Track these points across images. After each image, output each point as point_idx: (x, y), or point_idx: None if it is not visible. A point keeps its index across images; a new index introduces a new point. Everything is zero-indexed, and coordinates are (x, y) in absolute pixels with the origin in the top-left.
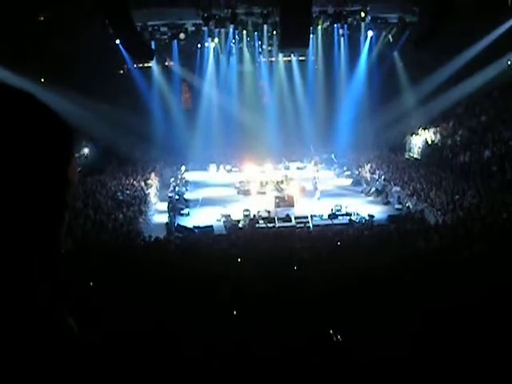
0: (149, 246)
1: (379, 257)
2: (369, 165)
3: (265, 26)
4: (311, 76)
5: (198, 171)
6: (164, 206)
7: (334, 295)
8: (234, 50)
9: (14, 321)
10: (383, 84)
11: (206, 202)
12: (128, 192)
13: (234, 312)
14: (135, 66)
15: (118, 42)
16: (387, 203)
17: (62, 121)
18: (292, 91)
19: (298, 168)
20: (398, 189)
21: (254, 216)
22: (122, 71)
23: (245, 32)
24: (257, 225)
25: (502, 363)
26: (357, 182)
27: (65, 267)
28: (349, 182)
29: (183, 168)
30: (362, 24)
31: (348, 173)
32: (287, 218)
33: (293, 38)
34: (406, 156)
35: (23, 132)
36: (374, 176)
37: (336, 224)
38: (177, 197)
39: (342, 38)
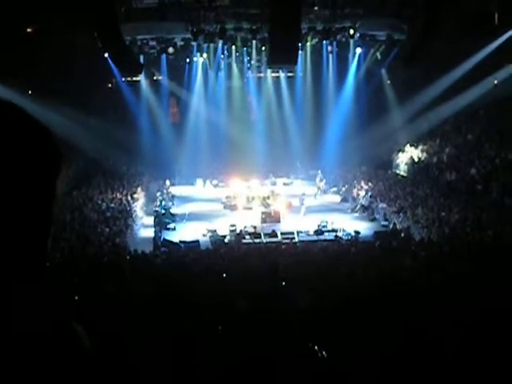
0: (135, 260)
1: (365, 273)
2: (355, 181)
3: (254, 42)
4: (299, 92)
5: (184, 186)
6: (150, 220)
7: (319, 311)
8: (222, 65)
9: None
10: (371, 101)
11: (193, 217)
12: (114, 206)
13: (219, 327)
14: (124, 79)
15: (106, 55)
16: (373, 220)
17: (49, 134)
18: (280, 107)
19: (285, 184)
20: (384, 205)
21: (241, 231)
22: (110, 85)
23: (234, 47)
24: (243, 240)
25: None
26: (343, 199)
27: (51, 280)
28: (336, 198)
29: (167, 182)
30: (351, 41)
31: (335, 189)
32: (273, 234)
33: (281, 55)
34: (393, 173)
35: (11, 144)
36: (361, 192)
37: (322, 240)
38: (163, 211)
39: (330, 55)
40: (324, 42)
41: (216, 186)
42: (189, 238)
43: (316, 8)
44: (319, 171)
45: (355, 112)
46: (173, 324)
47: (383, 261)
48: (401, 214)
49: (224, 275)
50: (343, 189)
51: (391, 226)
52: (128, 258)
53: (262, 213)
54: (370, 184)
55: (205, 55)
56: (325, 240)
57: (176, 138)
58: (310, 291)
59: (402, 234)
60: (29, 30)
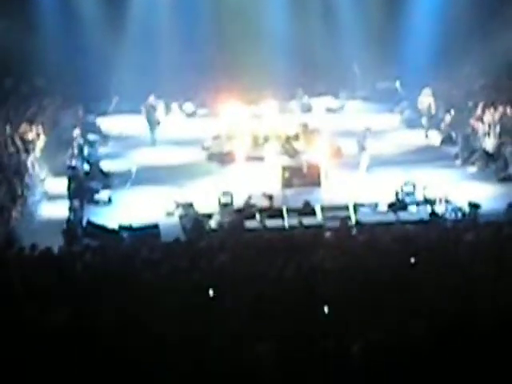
0: (29, 266)
1: (491, 288)
2: (471, 104)
3: None
4: None
5: (128, 115)
6: (62, 185)
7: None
8: None
9: None
10: None
11: (146, 178)
12: None
13: None
14: None
15: None
16: (506, 179)
17: None
18: None
19: (330, 109)
20: None
21: (244, 205)
22: None
23: None
24: (247, 223)
25: None
26: (447, 139)
27: None
28: (433, 137)
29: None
30: None
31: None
32: (307, 210)
33: None
34: None
35: None
36: (482, 126)
37: (404, 221)
38: (87, 167)
39: None
40: None
41: (192, 114)
42: (139, 219)
43: None
44: (398, 83)
45: None
46: None
47: None
48: None
49: (211, 295)
50: (447, 119)
51: None
52: (17, 259)
53: (285, 168)
54: (500, 110)
55: None
56: (410, 221)
57: (108, 20)
58: (375, 324)
59: None
60: None
